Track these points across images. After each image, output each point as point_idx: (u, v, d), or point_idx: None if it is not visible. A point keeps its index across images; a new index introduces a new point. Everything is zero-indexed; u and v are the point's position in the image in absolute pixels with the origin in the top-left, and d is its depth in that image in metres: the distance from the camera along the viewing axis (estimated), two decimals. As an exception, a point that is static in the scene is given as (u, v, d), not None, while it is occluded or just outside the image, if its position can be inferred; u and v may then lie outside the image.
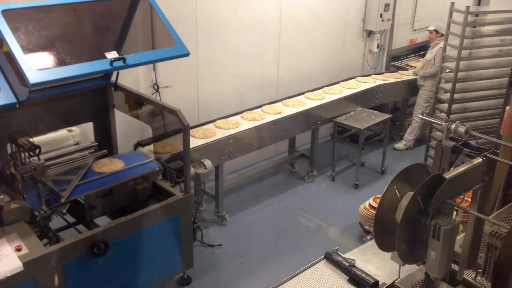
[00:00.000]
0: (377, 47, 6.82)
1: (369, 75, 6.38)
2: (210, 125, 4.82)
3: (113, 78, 3.93)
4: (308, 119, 5.31)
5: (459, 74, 5.22)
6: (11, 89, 2.89)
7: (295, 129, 5.30)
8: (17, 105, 2.92)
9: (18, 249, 2.85)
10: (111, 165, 3.66)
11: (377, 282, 2.70)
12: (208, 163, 4.24)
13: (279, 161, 5.77)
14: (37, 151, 3.25)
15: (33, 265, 2.85)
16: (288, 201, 5.23)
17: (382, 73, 6.56)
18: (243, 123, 4.84)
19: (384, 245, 2.42)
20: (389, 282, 2.73)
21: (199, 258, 4.03)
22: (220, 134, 4.61)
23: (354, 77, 6.23)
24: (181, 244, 3.70)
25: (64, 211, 3.31)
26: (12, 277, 2.74)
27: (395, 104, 6.94)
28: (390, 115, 5.80)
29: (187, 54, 3.40)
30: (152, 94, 4.73)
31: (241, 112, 5.08)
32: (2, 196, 3.00)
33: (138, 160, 3.82)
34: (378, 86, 6.05)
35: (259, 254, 4.36)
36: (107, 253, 3.18)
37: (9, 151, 3.39)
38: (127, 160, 3.78)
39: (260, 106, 5.25)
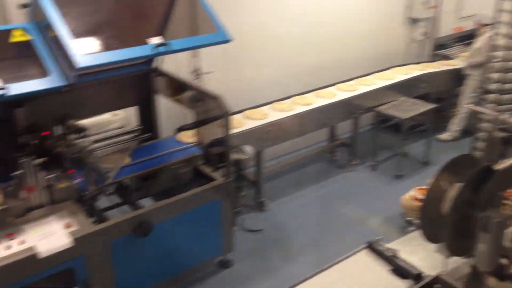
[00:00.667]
0: (421, 35, 6.64)
1: (405, 65, 6.20)
2: (239, 115, 4.75)
3: (156, 64, 3.98)
4: (349, 108, 5.23)
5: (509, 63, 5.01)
6: (60, 72, 2.97)
7: (336, 118, 5.24)
8: (66, 88, 3.01)
9: (68, 226, 2.96)
10: (119, 161, 3.65)
11: (421, 273, 2.65)
12: (248, 149, 4.25)
13: (319, 149, 5.73)
14: (84, 133, 3.35)
15: (82, 241, 2.95)
16: (328, 189, 5.20)
17: (420, 63, 6.37)
18: (272, 114, 4.76)
19: (430, 237, 2.37)
20: (433, 274, 2.68)
21: (239, 243, 4.06)
22: (248, 125, 4.54)
23: (396, 66, 6.09)
24: (222, 228, 3.75)
25: (111, 191, 3.41)
26: (62, 252, 2.85)
27: (440, 94, 6.74)
28: (435, 105, 5.65)
29: (228, 41, 3.40)
30: (194, 80, 4.77)
31: (273, 102, 5.02)
32: (52, 176, 3.11)
33: (180, 145, 3.88)
34: (423, 76, 5.90)
35: (298, 241, 4.37)
36: (152, 233, 3.25)
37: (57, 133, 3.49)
38: (167, 145, 3.84)
39: (306, 93, 5.22)
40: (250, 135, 4.47)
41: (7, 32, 2.93)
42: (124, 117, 4.34)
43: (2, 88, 2.66)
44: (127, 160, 3.63)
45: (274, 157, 5.51)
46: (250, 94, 5.19)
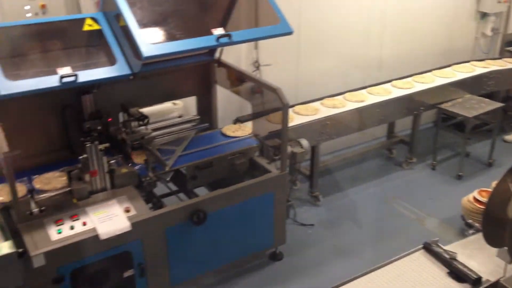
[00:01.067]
0: (491, 31, 6.33)
1: (468, 62, 5.91)
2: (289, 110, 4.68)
3: (217, 55, 4.03)
4: (409, 105, 5.08)
5: None
6: (126, 61, 3.07)
7: (395, 114, 5.10)
8: (131, 77, 3.11)
9: (127, 211, 3.07)
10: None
11: (479, 278, 2.55)
12: (305, 142, 4.22)
13: (376, 145, 5.61)
14: (145, 121, 3.46)
15: (140, 226, 3.05)
16: (384, 187, 5.09)
17: (483, 60, 6.05)
18: (322, 110, 4.64)
19: (492, 241, 2.28)
20: (493, 279, 2.57)
21: (291, 236, 4.06)
22: (297, 121, 4.46)
23: (459, 63, 5.83)
24: (275, 220, 3.76)
25: (168, 179, 3.50)
26: (121, 236, 2.96)
27: (508, 93, 6.42)
28: (502, 104, 5.38)
29: (290, 33, 3.39)
30: (253, 71, 4.79)
31: (325, 98, 4.90)
32: (115, 161, 3.23)
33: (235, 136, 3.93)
34: (490, 73, 5.62)
35: (352, 238, 4.31)
36: (206, 222, 3.32)
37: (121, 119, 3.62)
38: (213, 139, 3.90)
39: (364, 88, 5.11)
40: (307, 129, 4.44)
41: (81, 21, 3.06)
42: (183, 107, 4.44)
43: (73, 75, 2.78)
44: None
45: (330, 152, 5.45)
46: (305, 88, 5.14)
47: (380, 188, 5.08)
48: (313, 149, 4.59)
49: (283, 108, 3.52)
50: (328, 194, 4.91)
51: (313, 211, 4.68)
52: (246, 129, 3.93)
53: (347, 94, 4.99)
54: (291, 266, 3.97)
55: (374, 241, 4.27)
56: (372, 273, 2.74)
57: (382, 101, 4.89)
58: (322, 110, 4.67)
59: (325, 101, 4.86)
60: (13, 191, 2.76)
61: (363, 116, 4.81)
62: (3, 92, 2.61)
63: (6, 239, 2.66)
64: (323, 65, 5.29)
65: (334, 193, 4.95)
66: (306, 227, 4.44)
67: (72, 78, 2.80)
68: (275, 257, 4.01)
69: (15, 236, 2.75)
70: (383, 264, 2.74)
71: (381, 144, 5.65)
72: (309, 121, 4.47)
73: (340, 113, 4.63)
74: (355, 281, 2.71)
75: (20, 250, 2.67)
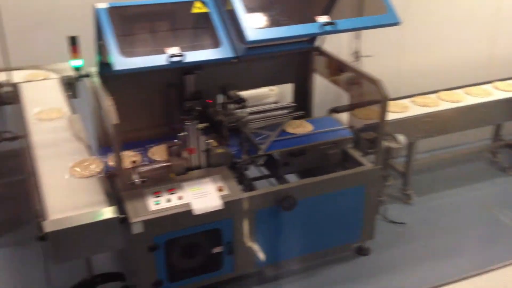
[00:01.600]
0: None
1: None
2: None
3: (317, 43, 3.99)
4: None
5: None
6: (230, 44, 3.14)
7: (502, 116, 4.76)
8: (233, 60, 3.17)
9: (220, 190, 3.16)
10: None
11: None
12: (401, 138, 4.08)
13: (479, 148, 5.28)
14: (243, 104, 3.52)
15: (231, 206, 3.13)
16: (485, 192, 4.79)
17: None
18: (412, 109, 4.42)
19: None
20: None
21: (380, 233, 3.95)
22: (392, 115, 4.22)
23: None
24: (364, 214, 3.69)
25: (261, 162, 3.56)
26: (213, 213, 3.07)
27: None
28: None
29: (398, 23, 3.27)
30: (353, 62, 4.69)
31: (415, 96, 4.64)
32: (212, 140, 3.33)
33: (331, 126, 3.88)
34: None
35: (444, 241, 4.11)
36: (295, 208, 3.33)
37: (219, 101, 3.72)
38: (319, 125, 3.88)
39: (460, 88, 4.79)
40: (403, 125, 4.28)
41: (190, 4, 3.18)
42: (279, 93, 4.47)
43: (180, 55, 2.90)
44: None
45: (427, 150, 5.21)
46: (402, 83, 4.94)
47: (479, 192, 4.79)
48: (410, 146, 4.42)
49: (383, 101, 3.43)
50: (422, 194, 4.71)
51: (404, 210, 4.52)
52: (307, 126, 3.85)
53: (441, 93, 4.73)
54: (377, 263, 3.88)
55: (468, 247, 4.04)
56: (466, 280, 2.60)
57: (481, 102, 4.57)
58: (412, 108, 4.48)
59: (416, 98, 4.64)
60: (119, 161, 2.95)
61: (462, 117, 4.53)
62: (118, 68, 2.78)
63: (111, 204, 2.86)
64: (425, 61, 5.06)
65: (428, 193, 4.75)
66: (396, 225, 4.30)
67: (179, 58, 2.91)
68: (362, 251, 3.94)
69: (118, 203, 2.94)
70: (477, 273, 2.58)
71: (485, 147, 5.30)
72: (406, 117, 4.30)
73: (433, 112, 4.40)
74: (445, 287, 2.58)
75: (122, 216, 2.86)
